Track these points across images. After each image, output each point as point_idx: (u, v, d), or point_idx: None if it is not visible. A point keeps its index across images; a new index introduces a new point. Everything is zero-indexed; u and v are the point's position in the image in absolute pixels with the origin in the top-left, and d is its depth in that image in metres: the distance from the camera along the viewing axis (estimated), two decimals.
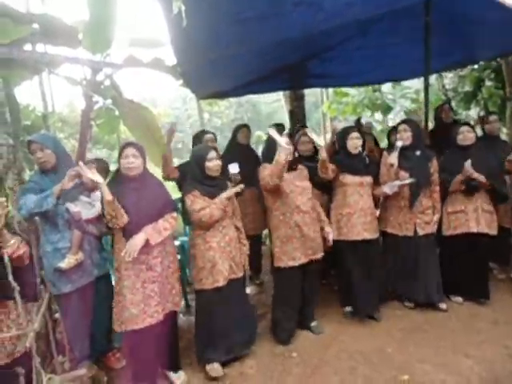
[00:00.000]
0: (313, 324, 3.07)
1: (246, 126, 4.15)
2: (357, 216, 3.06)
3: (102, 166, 2.94)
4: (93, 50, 3.99)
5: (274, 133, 2.66)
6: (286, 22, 3.20)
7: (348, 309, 3.26)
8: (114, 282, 2.49)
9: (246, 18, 3.11)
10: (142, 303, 2.34)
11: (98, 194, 2.58)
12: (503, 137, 7.41)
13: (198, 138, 3.66)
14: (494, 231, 3.18)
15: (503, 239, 3.45)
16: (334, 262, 3.29)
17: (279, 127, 4.31)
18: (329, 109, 7.67)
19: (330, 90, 8.38)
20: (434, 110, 4.91)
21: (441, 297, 3.23)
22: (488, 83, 7.63)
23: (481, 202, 3.19)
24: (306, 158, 3.30)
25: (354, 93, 7.25)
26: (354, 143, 3.07)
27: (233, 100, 19.10)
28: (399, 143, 3.11)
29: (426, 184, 3.15)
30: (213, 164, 2.57)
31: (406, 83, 7.54)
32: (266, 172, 2.73)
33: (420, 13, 3.98)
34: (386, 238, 3.36)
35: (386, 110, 7.03)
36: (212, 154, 2.58)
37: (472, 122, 4.33)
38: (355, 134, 3.09)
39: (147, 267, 2.37)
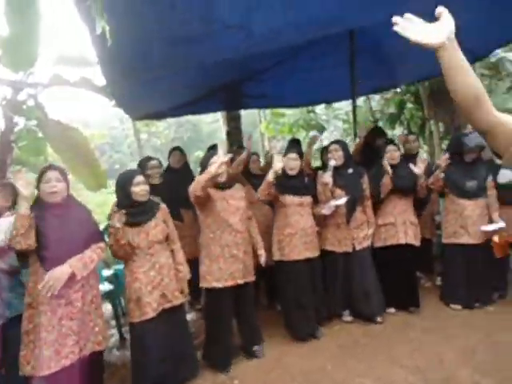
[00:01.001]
0: (255, 348, 3.01)
1: (177, 149, 4.06)
2: (298, 236, 3.11)
3: (9, 192, 2.67)
4: (13, 67, 3.72)
5: (221, 145, 2.71)
6: (218, 44, 3.23)
7: (291, 330, 3.25)
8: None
9: (178, 39, 3.09)
10: (57, 343, 2.11)
11: (2, 221, 2.34)
12: (424, 154, 8.10)
13: (142, 165, 3.53)
14: (418, 242, 3.41)
15: (426, 249, 3.72)
16: (277, 283, 3.29)
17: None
18: (266, 129, 7.86)
19: (268, 110, 8.62)
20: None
21: (381, 309, 3.36)
22: (409, 105, 8.35)
23: (408, 215, 3.41)
24: (255, 176, 3.35)
25: (290, 113, 7.52)
26: (291, 164, 3.13)
27: (172, 119, 18.88)
28: (332, 163, 3.23)
29: (360, 200, 3.31)
30: (139, 189, 2.46)
31: (337, 105, 8.00)
32: (193, 183, 2.68)
33: (346, 39, 4.26)
34: (326, 255, 3.42)
35: (320, 129, 7.35)
36: (139, 178, 2.48)
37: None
38: (292, 155, 3.16)
39: (66, 302, 2.16)
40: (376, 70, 5.05)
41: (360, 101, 8.82)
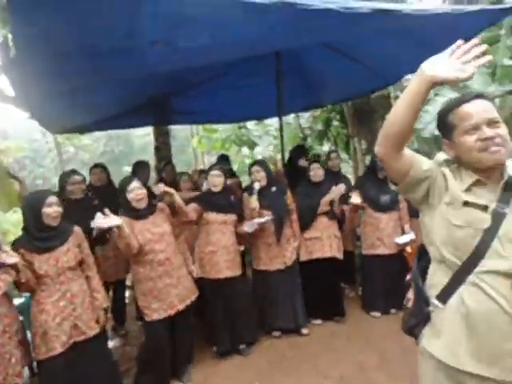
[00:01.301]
0: (184, 371, 2.91)
1: (97, 167, 3.83)
2: (220, 254, 3.08)
3: None
4: None
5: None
6: (143, 58, 3.17)
7: (215, 349, 3.20)
8: None
9: (102, 52, 2.98)
10: None
11: None
12: (350, 169, 8.60)
13: (63, 179, 3.27)
14: (341, 255, 3.58)
15: (348, 261, 3.93)
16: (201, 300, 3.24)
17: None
18: (199, 144, 7.83)
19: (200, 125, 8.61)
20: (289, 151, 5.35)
21: (306, 321, 3.45)
22: (335, 123, 8.86)
23: (333, 230, 3.56)
24: None
25: (222, 128, 7.57)
26: (214, 181, 3.12)
27: (101, 132, 18.00)
28: (257, 186, 3.26)
29: (286, 216, 3.39)
30: (52, 210, 2.27)
31: (268, 121, 8.24)
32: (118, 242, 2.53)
33: (274, 60, 4.42)
34: (258, 274, 3.44)
35: (252, 145, 7.49)
36: (52, 198, 2.30)
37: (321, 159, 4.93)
38: (215, 172, 3.15)
39: None
40: (302, 90, 5.30)
41: (290, 118, 9.19)
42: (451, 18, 3.55)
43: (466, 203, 1.22)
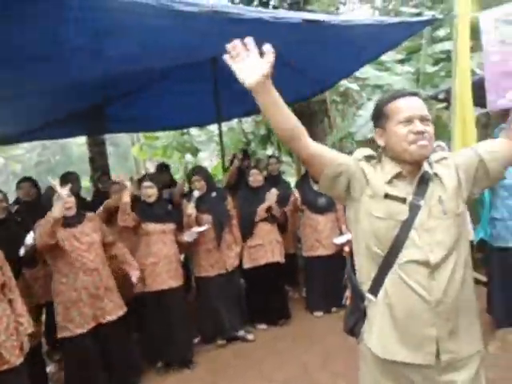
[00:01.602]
0: None
1: (25, 181, 3.56)
2: (161, 265, 3.03)
3: None
4: None
5: (54, 182, 2.41)
6: (69, 65, 3.02)
7: (159, 364, 3.11)
8: None
9: (24, 59, 2.79)
10: None
11: None
12: (293, 171, 8.80)
13: None
14: (283, 259, 3.64)
15: (291, 263, 4.01)
16: (143, 315, 3.14)
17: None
18: (140, 151, 7.60)
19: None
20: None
21: (250, 327, 3.46)
22: None
23: (274, 235, 3.62)
24: None
25: (164, 135, 7.41)
26: (146, 192, 3.07)
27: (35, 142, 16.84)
28: (196, 194, 3.27)
29: (226, 221, 3.39)
30: None
31: (211, 127, 8.21)
32: (37, 231, 2.41)
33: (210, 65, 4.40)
34: (199, 281, 3.41)
35: (195, 151, 7.41)
36: None
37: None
38: (147, 184, 3.10)
39: None
40: (242, 96, 5.31)
41: (233, 123, 9.22)
42: (378, 28, 3.79)
43: (386, 196, 1.29)
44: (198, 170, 3.56)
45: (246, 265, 3.55)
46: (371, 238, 1.30)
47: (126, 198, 2.90)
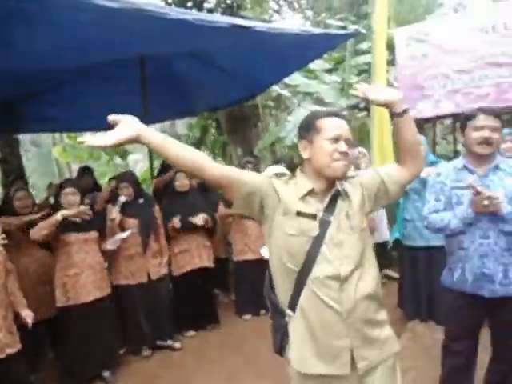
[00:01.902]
0: None
1: None
2: (85, 275, 2.84)
3: None
4: None
5: None
6: None
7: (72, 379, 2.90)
8: None
9: None
10: None
11: None
12: None
13: None
14: (212, 263, 3.60)
15: (222, 267, 3.99)
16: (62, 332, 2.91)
17: None
18: (63, 153, 7.08)
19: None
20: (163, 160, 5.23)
21: (177, 334, 3.37)
22: (212, 130, 8.99)
23: (201, 239, 3.56)
24: None
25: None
26: (68, 200, 2.86)
27: None
28: (122, 199, 3.14)
29: (153, 228, 3.28)
30: None
31: None
32: None
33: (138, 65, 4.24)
34: (119, 289, 3.22)
35: (124, 154, 7.09)
36: None
37: None
38: (69, 190, 2.88)
39: None
40: (172, 97, 5.22)
41: (166, 125, 8.99)
42: (304, 38, 3.93)
43: (298, 213, 1.32)
44: (126, 176, 3.42)
45: (175, 272, 3.46)
46: (285, 254, 1.33)
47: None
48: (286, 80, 6.42)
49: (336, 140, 1.33)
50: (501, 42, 3.57)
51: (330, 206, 1.35)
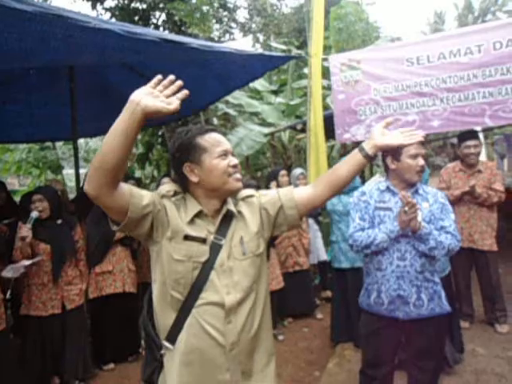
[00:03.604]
0: None
1: None
2: None
3: None
4: None
5: None
6: None
7: None
8: None
9: None
10: None
11: None
12: None
13: None
14: (135, 289, 3.34)
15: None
16: None
17: None
18: None
19: None
20: None
21: (93, 369, 3.07)
22: (158, 147, 8.76)
23: (127, 263, 3.30)
24: None
25: (19, 148, 6.50)
26: None
27: None
28: (34, 214, 2.77)
29: (70, 253, 2.98)
30: None
31: (80, 141, 7.52)
32: None
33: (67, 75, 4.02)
34: (28, 321, 2.87)
35: (57, 168, 6.64)
36: None
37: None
38: None
39: None
40: (109, 111, 4.98)
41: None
42: (244, 58, 3.94)
43: (186, 237, 1.21)
44: (42, 189, 3.03)
45: (92, 294, 3.15)
46: (170, 281, 1.21)
47: None
48: (230, 99, 6.45)
49: (225, 155, 1.26)
50: (424, 73, 3.78)
51: (223, 228, 1.26)
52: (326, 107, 5.08)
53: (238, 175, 1.27)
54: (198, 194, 1.28)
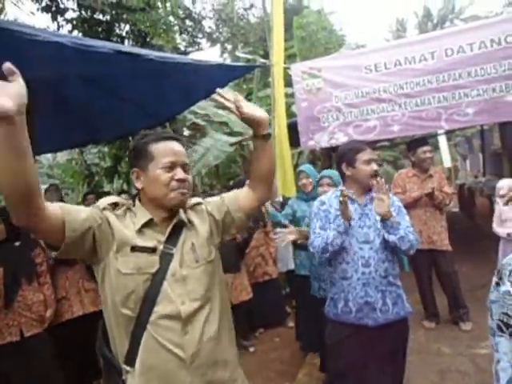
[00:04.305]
0: None
1: None
2: None
3: None
4: None
5: None
6: None
7: None
8: None
9: None
10: None
11: None
12: None
13: None
14: (97, 306, 3.18)
15: None
16: None
17: None
18: None
19: None
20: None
21: None
22: (126, 159, 8.60)
23: (83, 283, 3.13)
24: None
25: None
26: None
27: None
28: None
29: (27, 276, 2.82)
30: None
31: (39, 158, 7.26)
32: None
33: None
34: None
35: None
36: None
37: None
38: None
39: None
40: (69, 125, 4.85)
41: (74, 152, 8.43)
42: (207, 68, 3.92)
43: (133, 248, 1.15)
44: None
45: (53, 322, 2.97)
46: (119, 298, 1.15)
47: None
48: (197, 109, 6.41)
49: (172, 167, 1.21)
50: (382, 79, 3.87)
51: (173, 237, 1.22)
52: (292, 115, 5.13)
53: (183, 190, 1.21)
54: (145, 202, 1.25)
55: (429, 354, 2.91)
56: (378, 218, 1.87)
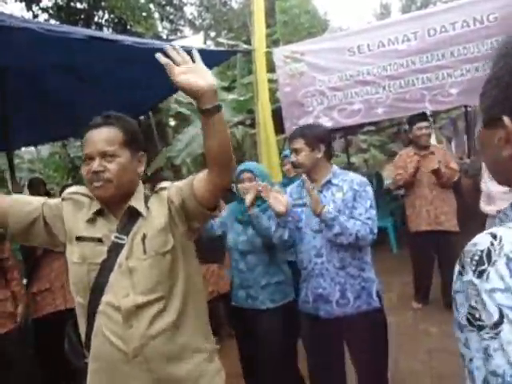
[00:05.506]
0: None
1: None
2: None
3: None
4: None
5: None
6: None
7: None
8: None
9: None
10: None
11: None
12: None
13: None
14: None
15: None
16: None
17: None
18: None
19: None
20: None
21: None
22: None
23: (68, 276, 3.08)
24: None
25: None
26: None
27: None
28: None
29: None
30: None
31: (19, 152, 7.08)
32: None
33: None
34: None
35: (1, 181, 6.24)
36: None
37: None
38: None
39: None
40: (48, 117, 4.71)
41: (56, 146, 8.23)
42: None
43: (78, 238, 1.17)
44: None
45: (33, 315, 2.92)
46: (73, 286, 1.20)
47: None
48: (181, 98, 6.29)
49: (90, 159, 1.12)
50: (366, 62, 3.82)
51: (127, 227, 1.17)
52: (277, 101, 5.06)
53: (96, 183, 1.11)
54: None
55: (417, 333, 2.94)
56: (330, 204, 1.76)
